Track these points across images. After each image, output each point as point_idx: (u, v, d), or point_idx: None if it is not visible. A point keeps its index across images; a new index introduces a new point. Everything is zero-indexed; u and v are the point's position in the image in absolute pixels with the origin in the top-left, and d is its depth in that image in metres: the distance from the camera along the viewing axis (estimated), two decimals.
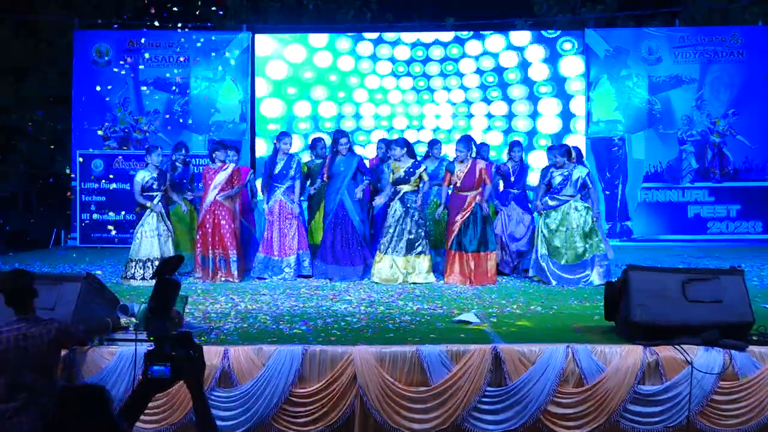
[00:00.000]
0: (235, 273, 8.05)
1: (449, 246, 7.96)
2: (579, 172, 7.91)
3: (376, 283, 7.91)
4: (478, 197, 7.92)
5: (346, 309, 6.28)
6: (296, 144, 11.94)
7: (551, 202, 7.90)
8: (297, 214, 8.28)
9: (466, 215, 7.89)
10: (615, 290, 5.18)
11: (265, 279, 8.15)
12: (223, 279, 8.04)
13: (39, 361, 3.70)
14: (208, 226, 8.08)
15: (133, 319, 5.09)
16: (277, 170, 8.29)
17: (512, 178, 8.70)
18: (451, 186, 8.04)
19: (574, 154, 8.05)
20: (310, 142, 9.11)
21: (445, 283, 7.87)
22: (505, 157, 9.27)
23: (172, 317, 3.09)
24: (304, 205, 8.83)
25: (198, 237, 8.15)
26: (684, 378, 4.67)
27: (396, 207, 8.10)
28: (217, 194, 8.08)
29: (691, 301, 4.86)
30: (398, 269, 7.97)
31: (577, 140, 12.13)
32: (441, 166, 8.70)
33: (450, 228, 7.98)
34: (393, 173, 8.18)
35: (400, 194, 8.10)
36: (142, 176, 8.03)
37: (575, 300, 6.82)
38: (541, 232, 7.91)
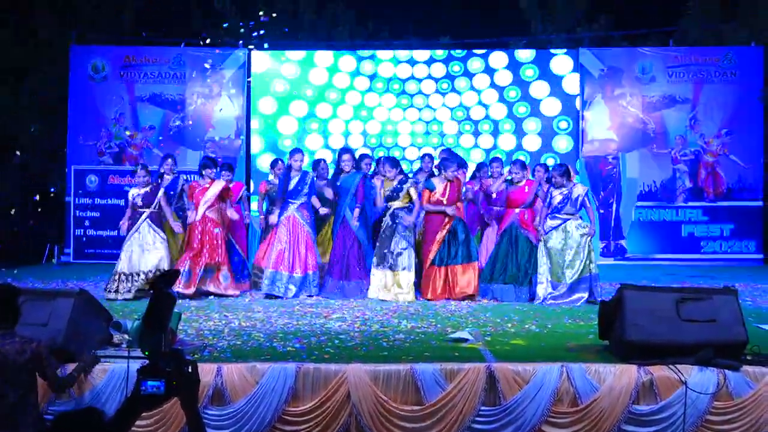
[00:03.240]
0: (224, 284, 8.04)
1: (430, 262, 8.01)
2: (579, 191, 8.00)
3: (371, 299, 7.92)
4: (455, 211, 8.13)
5: (339, 327, 6.27)
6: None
7: (551, 222, 7.95)
8: (308, 233, 8.30)
9: (446, 231, 8.02)
10: (609, 309, 5.19)
11: (275, 295, 8.05)
12: (212, 289, 8.00)
13: (14, 377, 3.67)
14: (196, 241, 8.07)
15: (126, 336, 5.07)
16: (291, 186, 8.32)
17: (494, 195, 8.67)
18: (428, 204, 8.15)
19: (573, 173, 8.15)
20: (313, 161, 9.23)
21: (427, 300, 7.90)
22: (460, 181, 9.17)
23: (167, 332, 3.08)
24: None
25: (186, 251, 8.13)
26: (678, 398, 4.66)
27: (386, 222, 8.20)
28: (206, 209, 8.10)
29: (685, 320, 4.88)
30: (388, 285, 8.02)
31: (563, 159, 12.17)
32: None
33: (429, 246, 8.06)
34: (383, 190, 8.32)
35: (391, 210, 8.19)
36: (131, 194, 8.17)
37: (569, 319, 6.82)
38: (543, 252, 7.96)
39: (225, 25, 14.87)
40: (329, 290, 8.21)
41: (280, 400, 4.61)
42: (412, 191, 8.22)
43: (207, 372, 4.64)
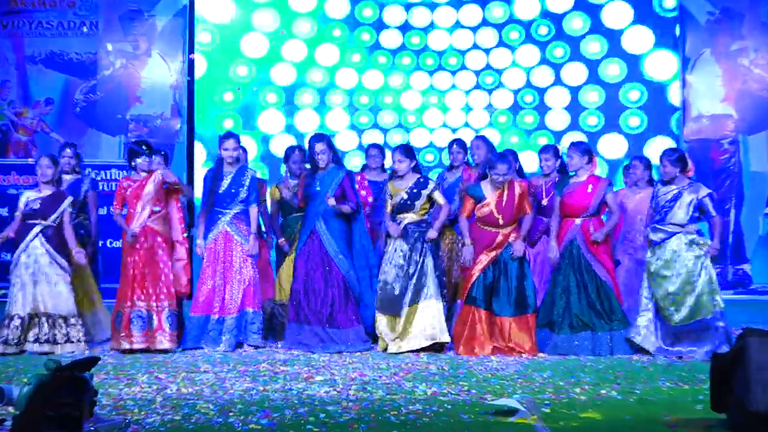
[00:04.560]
0: (169, 332, 8.12)
1: (468, 297, 8.07)
2: (694, 192, 7.99)
3: (373, 352, 7.96)
4: (513, 234, 8.09)
5: (327, 394, 6.25)
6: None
7: (653, 236, 7.98)
8: (252, 255, 8.34)
9: (495, 254, 8.06)
10: (726, 366, 5.17)
11: (202, 349, 8.19)
12: (145, 344, 8.07)
13: None
14: (132, 266, 8.14)
15: (11, 409, 5.07)
16: (222, 189, 8.35)
17: (545, 201, 8.68)
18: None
19: (690, 165, 8.14)
20: (284, 153, 9.26)
21: (459, 354, 7.95)
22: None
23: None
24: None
25: (121, 285, 8.20)
26: None
27: (395, 245, 8.20)
28: (148, 217, 8.16)
29: None
30: (401, 328, 8.12)
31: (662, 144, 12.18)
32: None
33: (468, 272, 8.11)
34: (391, 197, 8.30)
35: (401, 226, 8.24)
36: (23, 199, 8.19)
37: (667, 380, 6.81)
38: (645, 282, 8.03)
39: None
40: (296, 340, 8.24)
41: None
42: (438, 195, 8.24)
43: None
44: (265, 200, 9.06)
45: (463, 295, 8.16)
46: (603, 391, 6.38)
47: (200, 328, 8.27)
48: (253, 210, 8.39)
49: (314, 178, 8.42)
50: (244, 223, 8.36)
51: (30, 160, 11.27)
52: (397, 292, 8.17)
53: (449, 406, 5.87)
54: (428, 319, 8.10)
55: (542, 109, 13.25)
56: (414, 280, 8.15)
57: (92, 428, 4.61)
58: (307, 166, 8.56)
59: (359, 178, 9.17)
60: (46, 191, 8.17)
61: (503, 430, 5.24)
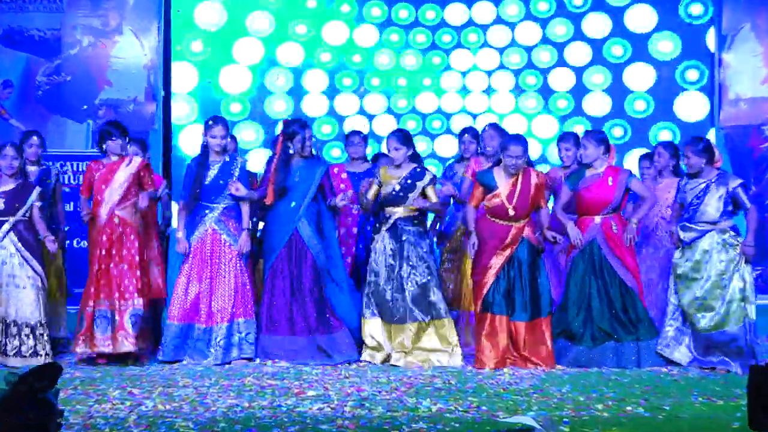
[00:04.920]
0: (132, 334, 8.11)
1: (484, 304, 8.09)
2: (723, 184, 7.98)
3: (371, 365, 8.01)
4: (527, 229, 8.12)
5: (320, 411, 6.28)
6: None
7: (683, 235, 7.99)
8: (240, 257, 8.38)
9: (509, 253, 8.06)
10: (765, 379, 5.20)
11: (182, 362, 8.22)
12: (108, 347, 8.10)
13: None
14: (98, 260, 8.19)
15: None
16: (208, 180, 8.39)
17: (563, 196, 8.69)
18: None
19: (718, 154, 8.15)
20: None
21: (477, 368, 7.98)
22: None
23: None
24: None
25: (89, 281, 8.25)
26: None
27: (384, 243, 8.24)
28: (116, 205, 8.20)
29: None
30: (391, 342, 8.19)
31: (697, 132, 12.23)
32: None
33: (481, 276, 8.13)
34: (380, 186, 8.34)
35: (390, 222, 8.27)
36: None
37: (699, 395, 6.84)
38: (672, 285, 8.10)
39: None
40: (265, 350, 8.32)
41: None
42: (431, 191, 8.31)
43: None
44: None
45: (477, 303, 8.17)
46: (628, 408, 6.41)
47: (181, 337, 8.29)
48: (245, 204, 8.38)
49: (289, 169, 8.46)
50: (234, 220, 8.36)
51: None
52: (388, 296, 8.24)
53: (456, 425, 5.89)
54: (442, 339, 8.20)
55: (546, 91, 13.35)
56: (412, 288, 8.20)
57: None
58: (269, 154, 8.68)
59: (336, 170, 9.24)
60: (10, 185, 8.21)
61: None
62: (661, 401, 6.62)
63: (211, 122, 8.51)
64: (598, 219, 8.18)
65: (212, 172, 8.39)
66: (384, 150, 9.24)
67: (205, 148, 8.46)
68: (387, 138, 8.58)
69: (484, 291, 8.08)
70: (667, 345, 8.08)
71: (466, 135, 9.34)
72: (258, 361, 8.28)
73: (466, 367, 8.07)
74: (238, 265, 8.34)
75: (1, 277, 8.12)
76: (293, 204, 8.40)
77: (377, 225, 8.40)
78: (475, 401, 6.62)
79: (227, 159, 8.46)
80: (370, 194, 8.39)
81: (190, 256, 8.35)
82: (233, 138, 9.10)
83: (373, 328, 8.26)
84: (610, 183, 8.17)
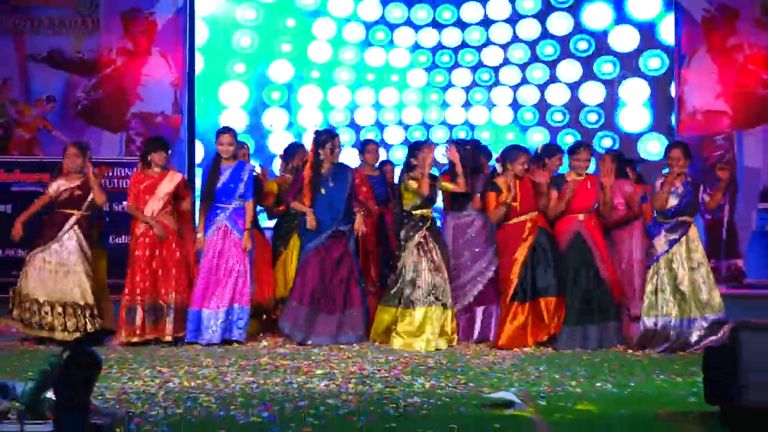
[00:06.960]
0: (172, 326, 8.19)
1: (513, 294, 8.10)
2: (694, 184, 8.13)
3: (372, 347, 7.98)
4: (541, 219, 8.28)
5: (326, 387, 6.29)
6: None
7: (671, 235, 8.01)
8: (247, 252, 8.41)
9: (530, 245, 8.14)
10: (719, 359, 5.18)
11: (200, 343, 8.26)
12: (153, 335, 8.20)
13: None
14: (142, 259, 8.22)
15: (16, 404, 5.09)
16: (219, 184, 8.40)
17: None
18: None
19: (692, 158, 8.27)
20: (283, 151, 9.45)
21: (503, 347, 7.99)
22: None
23: (89, 415, 3.18)
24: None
25: (129, 276, 8.26)
26: None
27: (420, 246, 8.29)
28: (158, 212, 8.26)
29: None
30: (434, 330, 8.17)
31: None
32: None
33: (507, 272, 8.17)
34: (414, 194, 8.32)
35: (428, 224, 8.36)
36: (55, 186, 8.32)
37: (661, 373, 6.85)
38: (654, 272, 8.07)
39: None
40: (301, 328, 8.32)
41: None
42: (411, 183, 8.32)
43: None
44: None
45: (507, 295, 8.14)
46: (598, 384, 6.42)
47: (196, 322, 8.29)
48: (249, 205, 8.43)
49: (321, 174, 8.46)
50: (243, 219, 8.40)
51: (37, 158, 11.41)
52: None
53: (447, 399, 5.91)
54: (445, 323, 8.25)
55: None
56: (431, 277, 8.24)
57: (97, 421, 4.63)
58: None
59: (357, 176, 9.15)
60: (75, 182, 8.32)
61: (500, 422, 5.27)
62: (627, 379, 6.63)
63: (219, 132, 8.59)
64: (581, 216, 8.25)
65: (223, 177, 8.41)
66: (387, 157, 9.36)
67: (217, 155, 8.49)
68: (416, 146, 8.63)
69: (513, 287, 8.10)
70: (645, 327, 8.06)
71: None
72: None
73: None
74: (241, 257, 8.36)
75: (66, 265, 8.15)
76: (330, 208, 8.41)
77: (413, 231, 8.34)
78: (464, 379, 6.62)
79: (237, 164, 8.48)
80: (406, 204, 8.40)
81: (206, 249, 8.39)
82: (243, 144, 9.11)
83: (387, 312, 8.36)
84: (589, 187, 8.30)
